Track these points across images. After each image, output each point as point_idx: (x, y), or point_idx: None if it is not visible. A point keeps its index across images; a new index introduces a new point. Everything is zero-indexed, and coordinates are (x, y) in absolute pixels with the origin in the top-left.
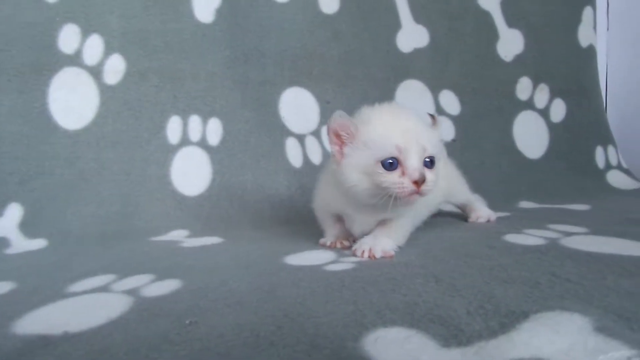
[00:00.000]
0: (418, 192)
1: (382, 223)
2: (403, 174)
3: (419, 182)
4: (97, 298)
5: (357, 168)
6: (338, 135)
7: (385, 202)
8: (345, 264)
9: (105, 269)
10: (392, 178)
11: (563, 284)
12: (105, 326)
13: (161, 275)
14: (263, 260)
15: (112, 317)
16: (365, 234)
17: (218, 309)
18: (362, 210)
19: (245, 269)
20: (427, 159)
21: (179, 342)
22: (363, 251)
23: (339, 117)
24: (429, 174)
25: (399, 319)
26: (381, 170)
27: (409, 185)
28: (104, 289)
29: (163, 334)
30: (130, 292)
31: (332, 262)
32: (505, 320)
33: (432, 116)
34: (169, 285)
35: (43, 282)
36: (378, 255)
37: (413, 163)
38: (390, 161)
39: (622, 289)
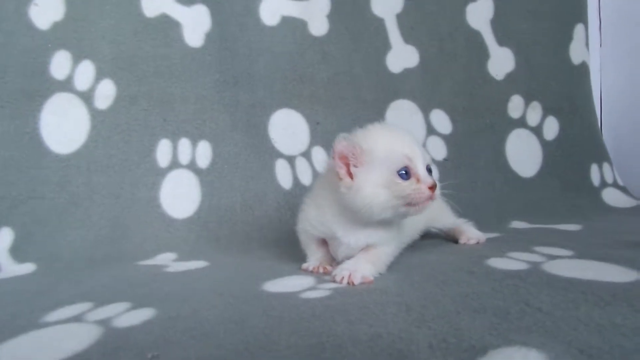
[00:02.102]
0: (431, 197)
1: (365, 248)
2: (418, 181)
3: (433, 187)
4: (68, 329)
5: (375, 184)
6: (343, 158)
7: (400, 213)
8: (322, 291)
9: (84, 296)
10: (410, 186)
11: (534, 314)
12: None
13: (137, 304)
14: (241, 286)
15: (77, 350)
16: (348, 259)
17: (183, 341)
18: (349, 233)
19: (221, 296)
20: (427, 168)
21: None
22: (342, 277)
23: (343, 140)
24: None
25: (359, 353)
26: (399, 180)
27: (425, 191)
28: (77, 318)
29: None
30: (102, 322)
31: (310, 288)
32: (464, 355)
33: None
34: (141, 315)
35: (22, 310)
36: (357, 281)
37: (423, 170)
38: (404, 171)
39: (592, 322)
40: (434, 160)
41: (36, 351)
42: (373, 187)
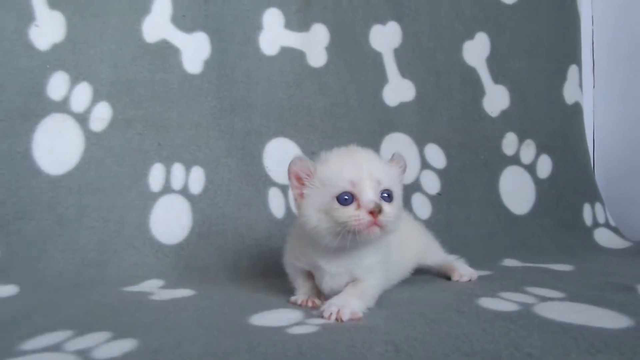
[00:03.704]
0: (376, 224)
1: (352, 283)
2: (359, 207)
3: (375, 213)
4: (45, 358)
5: (316, 207)
6: (299, 179)
7: (348, 242)
8: (310, 327)
9: (65, 324)
10: (348, 212)
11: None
12: None
13: (119, 334)
14: (227, 319)
15: None
16: (335, 293)
17: None
18: (331, 260)
19: (206, 329)
20: (385, 194)
21: None
22: (331, 313)
23: (298, 160)
24: (386, 207)
25: None
26: (337, 205)
27: (364, 217)
28: (55, 348)
29: None
30: (81, 352)
31: (297, 323)
32: None
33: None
34: (122, 346)
35: None
36: (345, 318)
37: (367, 195)
38: (346, 197)
39: None
40: (427, 195)
41: None
42: (315, 210)
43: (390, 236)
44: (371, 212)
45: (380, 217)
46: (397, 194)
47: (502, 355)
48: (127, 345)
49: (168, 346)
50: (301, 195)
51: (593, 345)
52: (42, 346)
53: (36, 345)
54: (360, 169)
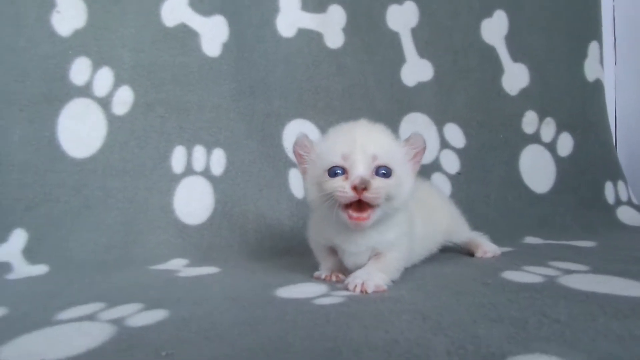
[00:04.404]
0: (360, 200)
1: (375, 256)
2: (347, 179)
3: (359, 189)
4: (81, 327)
5: (312, 180)
6: (301, 155)
7: (344, 215)
8: (335, 298)
9: (97, 298)
10: (335, 182)
11: (551, 325)
12: (82, 356)
13: (150, 305)
14: (254, 292)
15: (91, 347)
16: (359, 266)
17: (197, 341)
18: (349, 239)
19: (234, 300)
20: (382, 170)
21: None
22: (355, 285)
23: (298, 138)
24: (377, 182)
25: (376, 358)
26: (327, 178)
27: (348, 190)
28: (90, 317)
29: None
30: (116, 321)
31: (323, 295)
32: None
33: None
34: (155, 316)
35: (34, 308)
36: (370, 290)
37: (356, 169)
38: (337, 170)
39: (611, 332)
40: (447, 174)
41: (50, 347)
42: (311, 184)
43: (400, 214)
44: (354, 188)
45: (366, 194)
46: (401, 171)
47: (529, 321)
48: (159, 315)
49: (199, 315)
50: (304, 170)
51: (620, 311)
52: (78, 316)
53: (72, 316)
54: (354, 143)
